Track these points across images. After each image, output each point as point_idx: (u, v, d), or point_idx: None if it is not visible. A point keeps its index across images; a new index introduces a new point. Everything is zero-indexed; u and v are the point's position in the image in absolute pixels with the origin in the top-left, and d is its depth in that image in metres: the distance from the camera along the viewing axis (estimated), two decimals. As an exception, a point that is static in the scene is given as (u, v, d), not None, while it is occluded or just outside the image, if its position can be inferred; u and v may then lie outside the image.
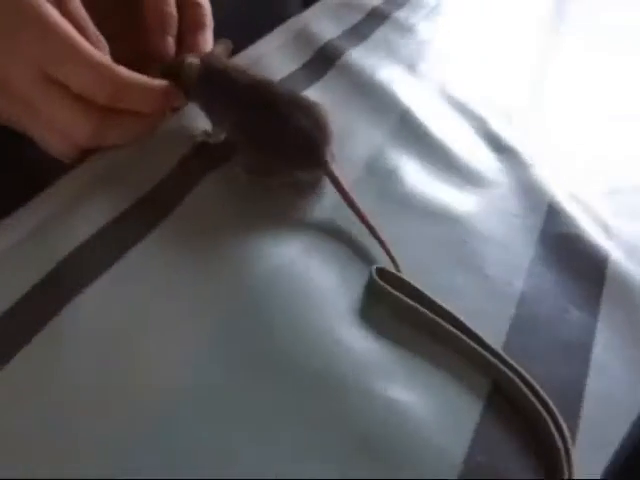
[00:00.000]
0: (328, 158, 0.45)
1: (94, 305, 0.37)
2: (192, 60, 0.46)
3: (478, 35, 0.74)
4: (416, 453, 0.33)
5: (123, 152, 0.47)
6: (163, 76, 0.47)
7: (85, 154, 0.47)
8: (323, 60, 0.63)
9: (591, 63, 0.71)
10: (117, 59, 0.46)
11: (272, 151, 0.45)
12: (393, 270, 0.41)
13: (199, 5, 0.53)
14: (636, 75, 0.70)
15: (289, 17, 0.69)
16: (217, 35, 0.54)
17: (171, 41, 0.51)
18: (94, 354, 0.35)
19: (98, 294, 0.38)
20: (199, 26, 0.53)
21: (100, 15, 0.48)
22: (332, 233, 0.44)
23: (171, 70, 0.47)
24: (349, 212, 0.44)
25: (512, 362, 0.37)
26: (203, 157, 0.48)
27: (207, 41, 0.53)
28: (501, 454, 0.34)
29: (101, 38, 0.46)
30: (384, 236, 0.43)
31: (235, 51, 0.62)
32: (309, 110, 0.46)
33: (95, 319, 0.37)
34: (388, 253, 0.42)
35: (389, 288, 0.40)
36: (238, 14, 0.69)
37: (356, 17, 0.71)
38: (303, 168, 0.46)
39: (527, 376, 0.36)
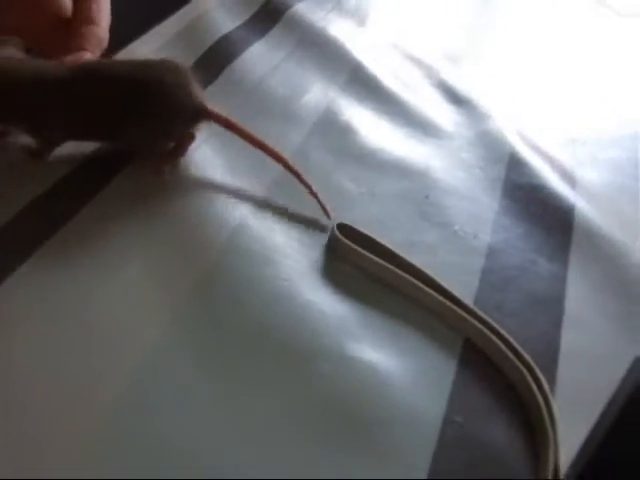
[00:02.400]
0: (203, 100, 0.40)
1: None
2: None
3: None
4: (393, 416, 0.30)
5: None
6: None
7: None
8: (268, 14, 0.60)
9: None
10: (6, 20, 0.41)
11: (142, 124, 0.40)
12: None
13: None
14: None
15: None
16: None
17: None
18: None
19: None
20: None
21: None
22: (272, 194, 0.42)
23: None
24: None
25: (485, 317, 0.35)
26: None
27: (101, 10, 0.44)
28: (480, 412, 0.31)
29: None
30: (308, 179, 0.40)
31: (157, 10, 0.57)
32: (160, 68, 0.40)
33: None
34: (316, 197, 0.40)
35: (352, 244, 0.38)
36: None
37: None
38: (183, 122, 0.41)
39: (502, 331, 0.34)
